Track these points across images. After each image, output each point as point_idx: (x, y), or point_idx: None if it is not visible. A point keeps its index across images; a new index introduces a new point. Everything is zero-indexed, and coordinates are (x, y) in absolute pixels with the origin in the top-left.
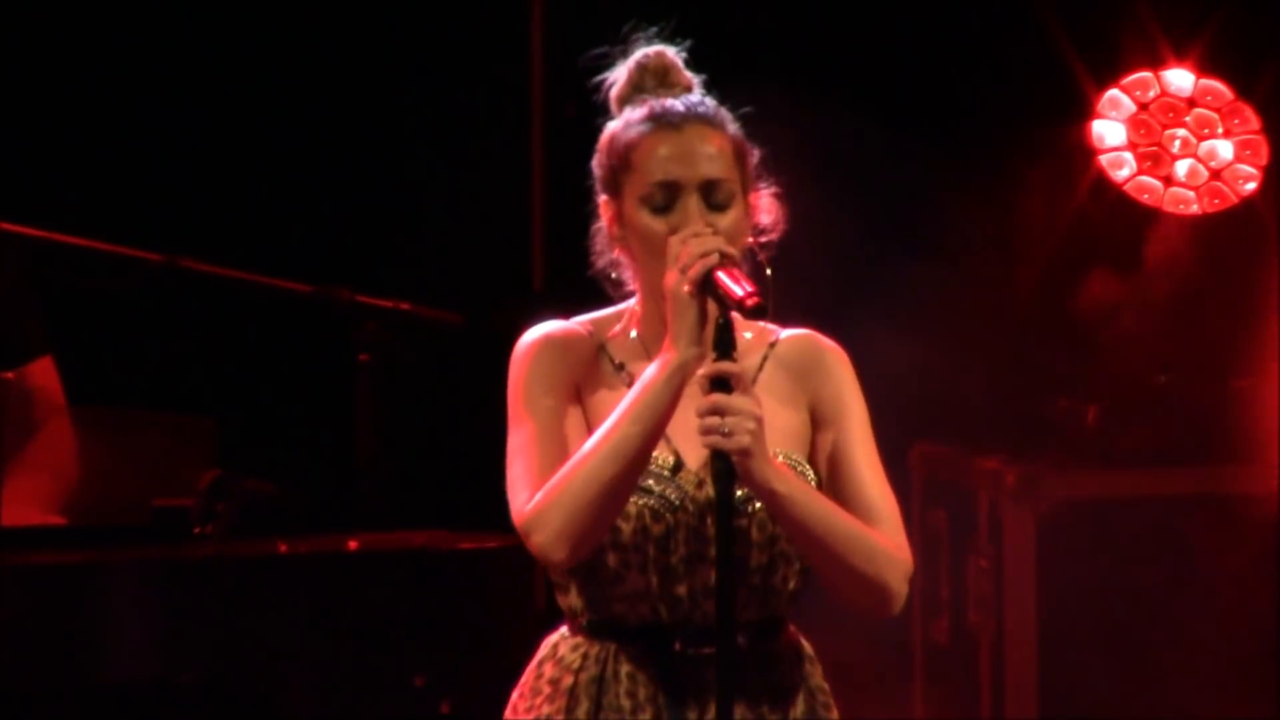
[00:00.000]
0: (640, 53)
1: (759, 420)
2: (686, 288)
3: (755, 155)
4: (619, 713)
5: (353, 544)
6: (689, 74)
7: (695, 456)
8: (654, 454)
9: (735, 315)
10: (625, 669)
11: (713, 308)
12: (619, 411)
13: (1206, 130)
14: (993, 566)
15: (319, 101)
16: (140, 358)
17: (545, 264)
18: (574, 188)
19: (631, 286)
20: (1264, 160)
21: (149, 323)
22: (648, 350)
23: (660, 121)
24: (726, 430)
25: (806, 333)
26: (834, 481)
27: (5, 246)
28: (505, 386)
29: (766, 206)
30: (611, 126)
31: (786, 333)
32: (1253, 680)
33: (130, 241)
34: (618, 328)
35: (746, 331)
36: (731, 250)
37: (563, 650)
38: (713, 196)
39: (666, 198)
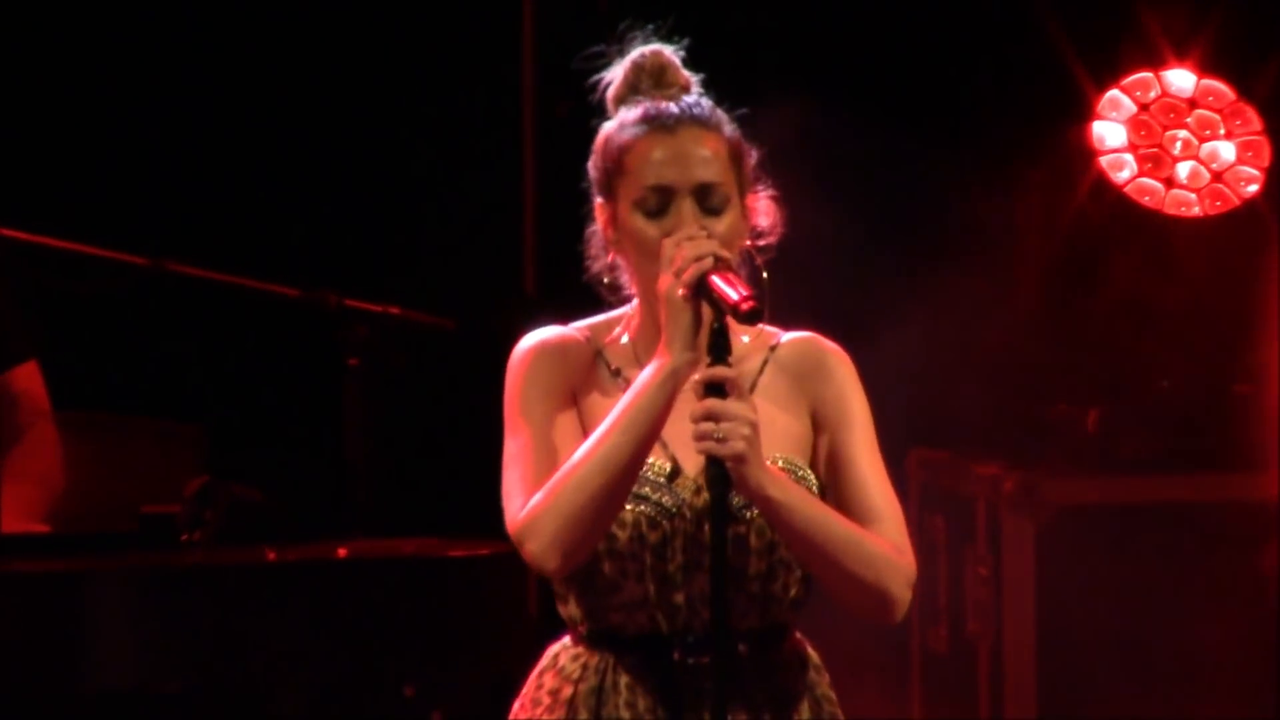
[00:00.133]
0: (637, 52)
1: (754, 426)
2: (681, 291)
3: (753, 157)
4: None
5: (342, 551)
6: (687, 73)
7: (693, 463)
8: (651, 460)
9: (731, 319)
10: (624, 679)
11: (707, 312)
12: (611, 418)
13: (1208, 131)
14: (991, 574)
15: (308, 103)
16: (127, 362)
17: (537, 267)
18: (567, 190)
19: (629, 291)
20: (1266, 162)
21: (135, 327)
22: (642, 356)
23: (654, 124)
24: (720, 436)
25: (808, 335)
26: (836, 485)
27: None
28: (498, 391)
29: (764, 209)
30: (606, 128)
31: (788, 336)
32: (1253, 688)
33: (116, 244)
34: (615, 333)
35: (745, 335)
36: (726, 254)
37: (563, 660)
38: (707, 200)
39: (660, 202)
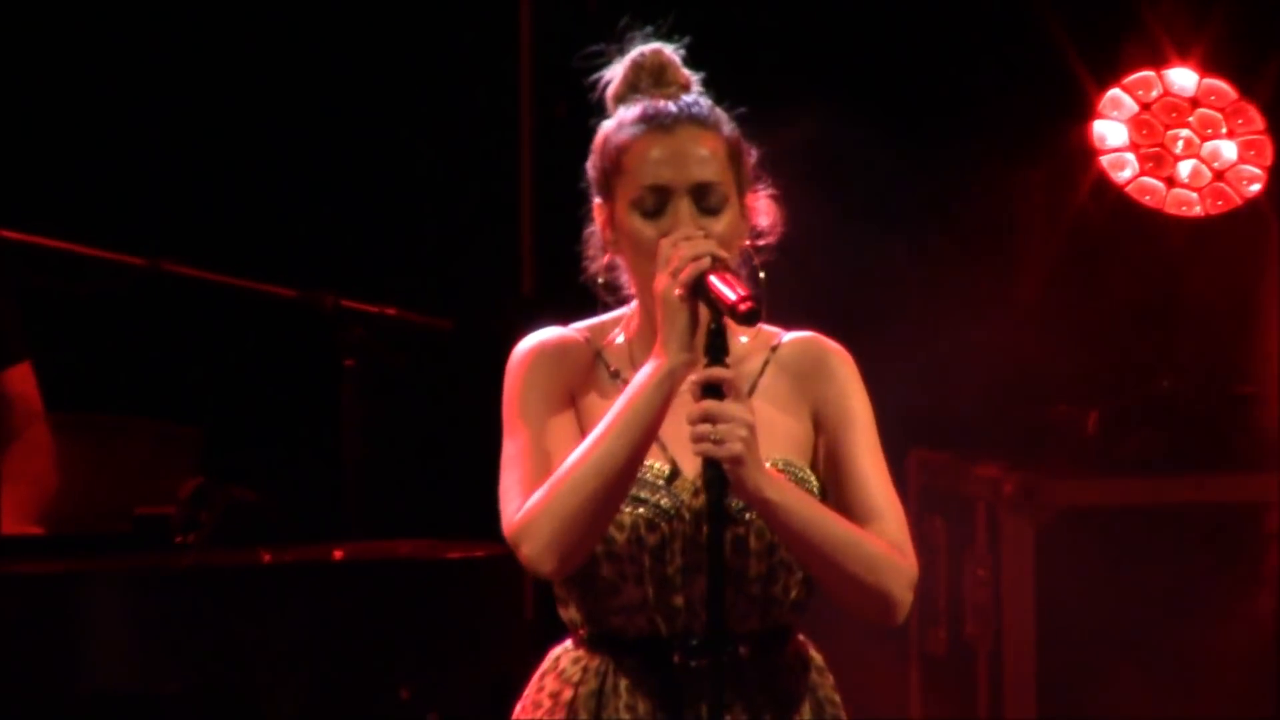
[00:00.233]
0: (636, 51)
1: (751, 427)
2: (677, 291)
3: (753, 156)
4: None
5: (338, 553)
6: (687, 72)
7: (692, 465)
8: (650, 462)
9: (729, 320)
10: (625, 682)
11: (704, 312)
12: (607, 420)
13: (1210, 130)
14: (991, 576)
15: (306, 104)
16: (122, 363)
17: (535, 267)
18: (565, 190)
19: (628, 291)
20: (1268, 161)
21: (132, 328)
22: (640, 357)
23: (652, 123)
24: (717, 438)
25: (810, 335)
26: (837, 485)
27: None
28: (495, 392)
29: (764, 208)
30: (605, 127)
31: (789, 336)
32: (1254, 690)
33: (113, 245)
34: (614, 334)
35: (744, 335)
36: (723, 253)
37: (564, 663)
38: (704, 200)
39: (657, 202)
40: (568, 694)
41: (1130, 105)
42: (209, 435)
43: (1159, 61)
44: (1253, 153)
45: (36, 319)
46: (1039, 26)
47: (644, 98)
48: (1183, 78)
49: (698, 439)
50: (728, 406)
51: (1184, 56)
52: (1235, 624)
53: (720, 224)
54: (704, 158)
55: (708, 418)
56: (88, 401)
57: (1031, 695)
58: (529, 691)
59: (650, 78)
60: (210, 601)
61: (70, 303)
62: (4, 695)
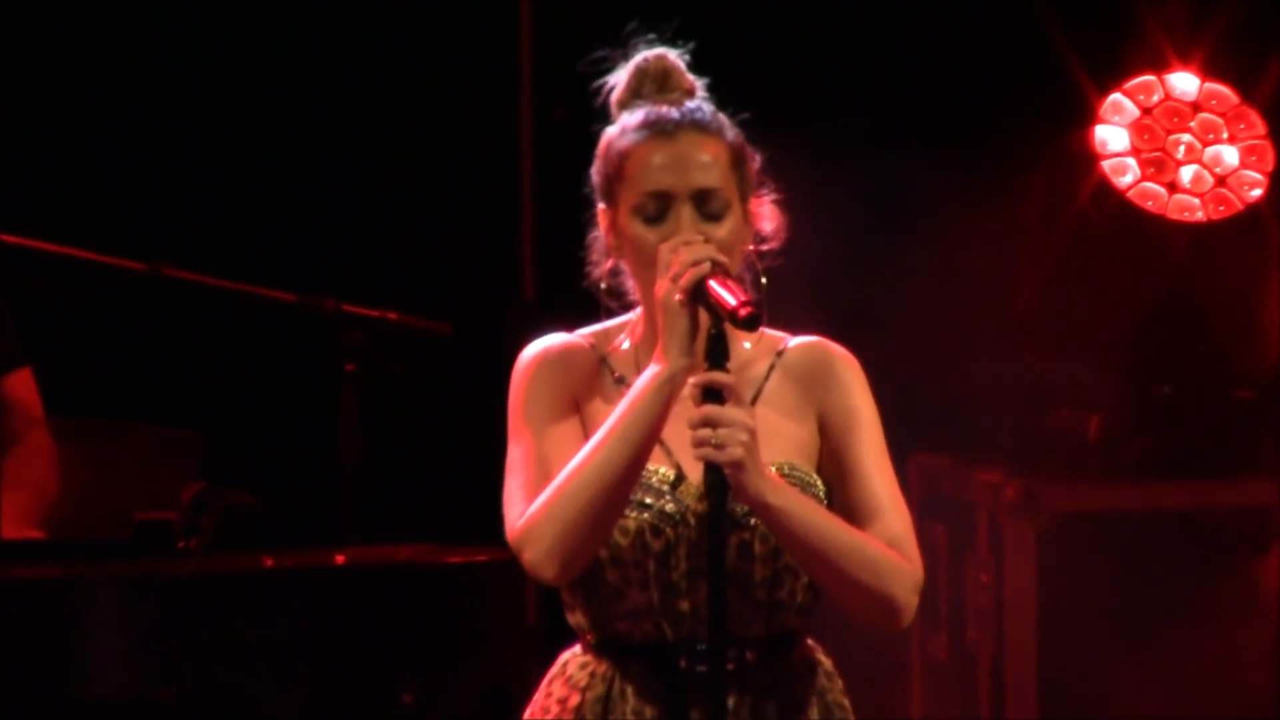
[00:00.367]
0: (640, 56)
1: (751, 432)
2: (678, 297)
3: (756, 161)
4: None
5: (339, 558)
6: (691, 77)
7: (696, 470)
8: (654, 467)
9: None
10: (631, 687)
11: (705, 318)
12: (608, 425)
13: (1211, 135)
14: (992, 581)
15: (306, 108)
16: (122, 368)
17: (536, 272)
18: (565, 195)
19: (632, 297)
20: (1270, 166)
21: (131, 332)
22: (643, 362)
23: (654, 129)
24: (718, 442)
25: (816, 340)
26: (842, 488)
27: None
28: (496, 397)
29: (768, 214)
30: (608, 133)
31: (795, 340)
32: (1254, 695)
33: (113, 249)
34: (619, 339)
35: (748, 341)
36: (724, 259)
37: (571, 668)
38: (706, 206)
39: (659, 208)
40: (575, 699)
41: (1131, 110)
42: (209, 440)
43: (1160, 66)
44: (1254, 158)
45: (37, 323)
46: (1040, 31)
47: (647, 103)
48: (1184, 82)
49: (698, 444)
50: (728, 411)
51: (1185, 61)
52: (1237, 630)
53: (722, 230)
54: (706, 164)
55: (708, 422)
56: (88, 406)
57: (1033, 700)
58: (538, 697)
59: (654, 83)
60: (211, 607)
61: (71, 307)
62: (4, 701)
